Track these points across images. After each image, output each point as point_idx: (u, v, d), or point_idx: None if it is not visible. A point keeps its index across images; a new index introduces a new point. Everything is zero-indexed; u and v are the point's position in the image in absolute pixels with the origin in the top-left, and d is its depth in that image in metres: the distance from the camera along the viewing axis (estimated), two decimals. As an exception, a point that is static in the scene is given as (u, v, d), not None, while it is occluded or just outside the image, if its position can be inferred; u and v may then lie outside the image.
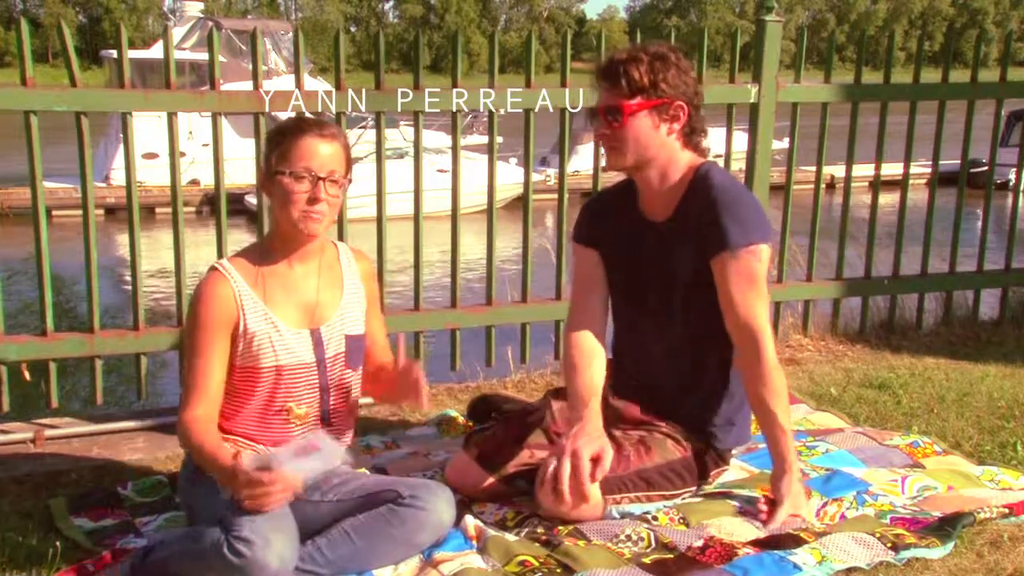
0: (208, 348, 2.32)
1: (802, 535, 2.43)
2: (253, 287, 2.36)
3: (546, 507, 2.51)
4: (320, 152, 2.32)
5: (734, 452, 2.88)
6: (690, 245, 2.58)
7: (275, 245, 2.42)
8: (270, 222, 2.44)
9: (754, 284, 2.53)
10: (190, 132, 15.31)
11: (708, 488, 2.74)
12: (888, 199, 4.72)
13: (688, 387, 2.72)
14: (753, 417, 2.70)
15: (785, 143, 4.91)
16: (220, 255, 3.47)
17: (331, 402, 2.46)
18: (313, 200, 2.31)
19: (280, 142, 2.34)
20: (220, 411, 2.37)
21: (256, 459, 2.15)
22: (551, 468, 2.46)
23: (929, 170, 4.73)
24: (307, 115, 2.58)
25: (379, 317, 2.66)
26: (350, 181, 2.40)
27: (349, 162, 2.40)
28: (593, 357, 2.68)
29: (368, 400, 3.64)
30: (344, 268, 2.52)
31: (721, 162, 3.27)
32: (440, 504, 2.36)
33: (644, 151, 2.58)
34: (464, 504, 2.58)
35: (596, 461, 2.47)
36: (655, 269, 2.67)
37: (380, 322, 2.66)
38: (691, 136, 2.62)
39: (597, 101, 2.62)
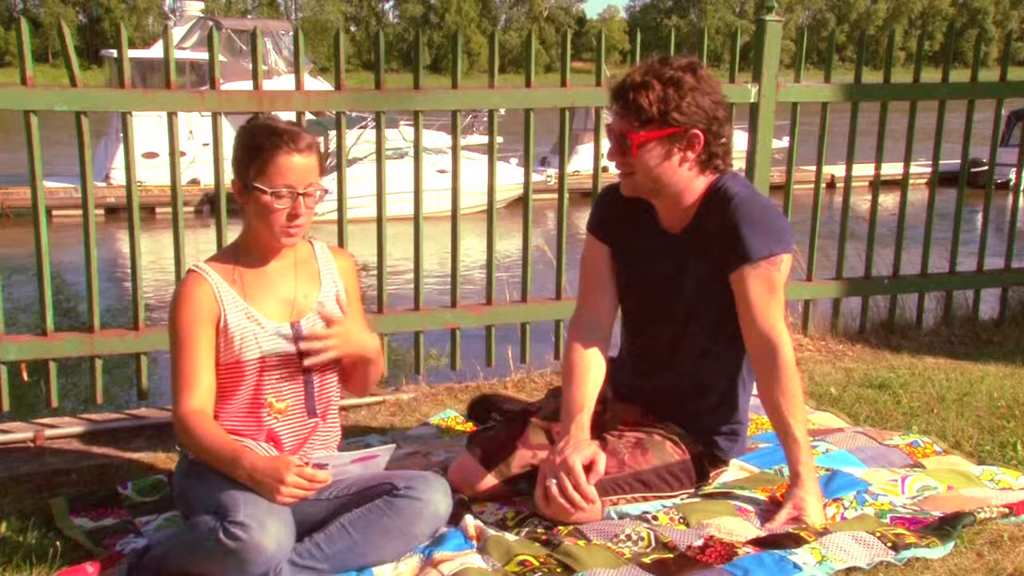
0: (194, 342, 2.32)
1: (802, 535, 2.43)
2: (231, 285, 2.38)
3: (549, 516, 2.52)
4: (297, 167, 2.30)
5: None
6: (705, 257, 2.56)
7: (250, 246, 2.42)
8: (244, 224, 2.42)
9: (774, 294, 2.51)
10: (190, 132, 15.28)
11: (708, 488, 2.74)
12: (888, 199, 4.72)
13: (691, 393, 2.71)
14: (752, 417, 2.69)
15: (785, 142, 4.91)
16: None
17: (315, 394, 2.46)
18: (293, 216, 2.32)
19: (256, 156, 2.30)
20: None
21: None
22: (553, 487, 2.47)
23: (929, 170, 4.74)
24: (275, 119, 2.40)
25: (359, 316, 2.57)
26: (326, 191, 2.39)
27: (323, 167, 2.39)
28: (591, 366, 2.66)
29: (368, 400, 3.65)
30: (320, 263, 2.51)
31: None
32: (436, 495, 2.36)
33: (656, 180, 2.52)
34: (464, 504, 2.58)
35: (589, 466, 2.49)
36: (665, 277, 2.64)
37: (360, 322, 2.55)
38: (709, 161, 2.52)
39: (611, 118, 2.55)
